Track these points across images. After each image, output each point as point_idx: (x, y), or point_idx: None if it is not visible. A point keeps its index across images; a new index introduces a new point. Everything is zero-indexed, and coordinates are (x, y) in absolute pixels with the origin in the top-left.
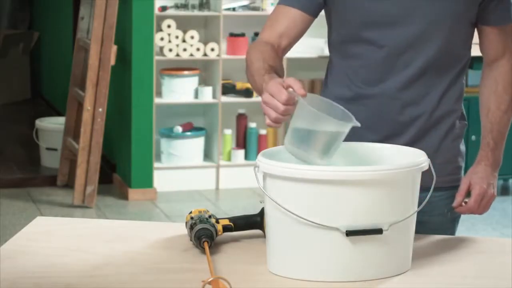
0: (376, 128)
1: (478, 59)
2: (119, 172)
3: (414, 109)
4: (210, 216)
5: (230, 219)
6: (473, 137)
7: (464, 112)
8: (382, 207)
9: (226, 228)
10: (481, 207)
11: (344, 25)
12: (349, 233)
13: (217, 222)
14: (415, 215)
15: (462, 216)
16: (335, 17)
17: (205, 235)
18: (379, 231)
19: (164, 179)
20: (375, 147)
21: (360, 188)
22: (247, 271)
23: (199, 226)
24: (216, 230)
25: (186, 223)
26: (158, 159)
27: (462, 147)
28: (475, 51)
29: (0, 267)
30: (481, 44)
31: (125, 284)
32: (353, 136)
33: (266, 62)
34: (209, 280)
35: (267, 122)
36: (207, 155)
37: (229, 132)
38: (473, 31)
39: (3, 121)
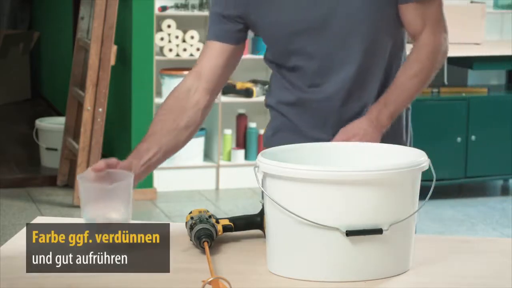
0: (323, 127)
1: (478, 59)
2: None
3: (355, 104)
4: (210, 216)
5: (230, 219)
6: (473, 137)
7: None
8: (382, 207)
9: (226, 228)
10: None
11: (271, 42)
12: (349, 233)
13: (217, 222)
14: (415, 215)
15: (462, 217)
16: (263, 37)
17: (205, 235)
18: (379, 231)
19: (164, 179)
20: (375, 147)
21: (360, 188)
22: (247, 271)
23: (199, 226)
24: (216, 230)
25: (186, 223)
26: None
27: (408, 130)
28: (475, 52)
29: (0, 266)
30: (403, 23)
31: (125, 284)
32: (303, 137)
33: (153, 136)
34: (209, 280)
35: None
36: (207, 155)
37: (229, 132)
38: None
39: (3, 121)
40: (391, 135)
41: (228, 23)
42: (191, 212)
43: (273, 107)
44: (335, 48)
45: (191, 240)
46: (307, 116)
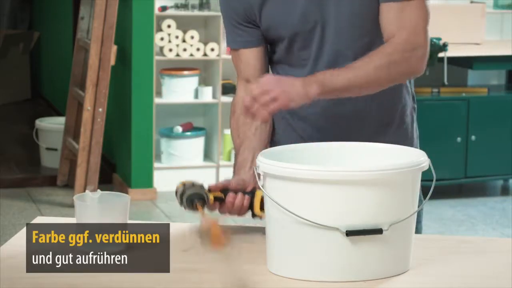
0: (319, 129)
1: (478, 59)
2: (119, 172)
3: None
4: (202, 186)
5: (222, 191)
6: (473, 137)
7: (411, 95)
8: (382, 207)
9: (217, 198)
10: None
11: (272, 46)
12: (349, 233)
13: (209, 191)
14: (415, 215)
15: (462, 217)
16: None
17: (197, 197)
18: (379, 231)
19: (164, 179)
20: (376, 147)
21: (360, 188)
22: (247, 271)
23: (191, 191)
24: (208, 198)
25: (176, 191)
26: (158, 159)
27: (415, 131)
28: (475, 52)
29: (0, 266)
30: (380, 25)
31: (125, 284)
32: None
33: (242, 145)
34: (206, 221)
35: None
36: (207, 155)
37: (229, 132)
38: None
39: (3, 121)
40: (403, 138)
41: (247, 30)
42: (181, 181)
43: None
44: (330, 51)
45: (182, 205)
46: (302, 116)
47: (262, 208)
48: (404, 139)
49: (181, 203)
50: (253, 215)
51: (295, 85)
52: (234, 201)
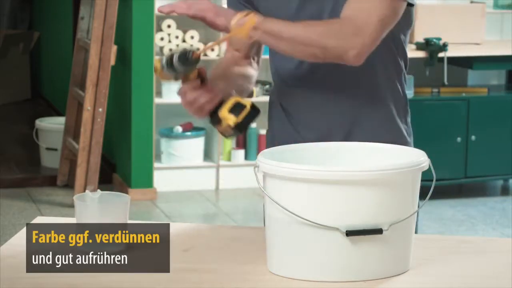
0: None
1: (478, 59)
2: (119, 172)
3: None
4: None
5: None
6: (473, 137)
7: (401, 89)
8: (382, 207)
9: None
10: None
11: None
12: (349, 233)
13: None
14: (415, 215)
15: (462, 217)
16: None
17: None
18: (379, 231)
19: (164, 179)
20: (376, 147)
21: (360, 188)
22: (247, 271)
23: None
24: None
25: (161, 58)
26: (158, 159)
27: (410, 134)
28: (475, 52)
29: (0, 266)
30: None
31: (125, 284)
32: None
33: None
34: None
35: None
36: (207, 155)
37: None
38: None
39: (3, 121)
40: (394, 134)
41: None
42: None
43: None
44: None
45: (171, 65)
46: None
47: (231, 111)
48: (393, 134)
49: (168, 64)
50: (213, 121)
51: (230, 9)
52: (212, 90)
